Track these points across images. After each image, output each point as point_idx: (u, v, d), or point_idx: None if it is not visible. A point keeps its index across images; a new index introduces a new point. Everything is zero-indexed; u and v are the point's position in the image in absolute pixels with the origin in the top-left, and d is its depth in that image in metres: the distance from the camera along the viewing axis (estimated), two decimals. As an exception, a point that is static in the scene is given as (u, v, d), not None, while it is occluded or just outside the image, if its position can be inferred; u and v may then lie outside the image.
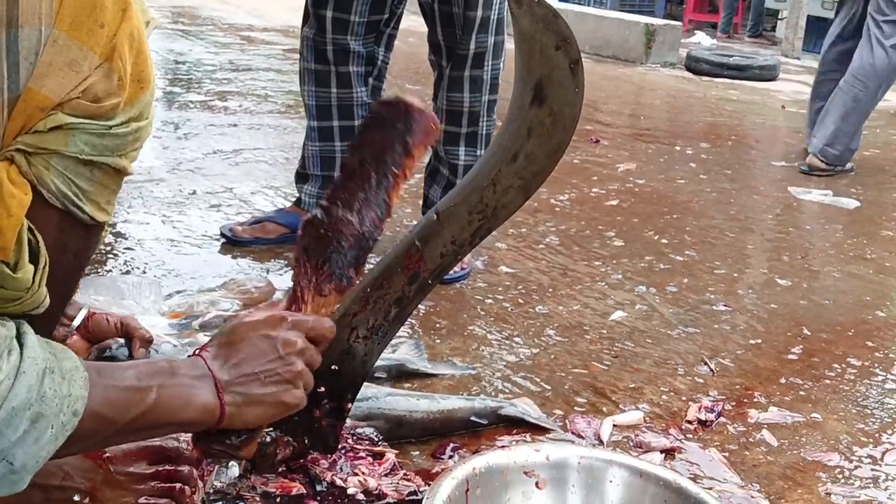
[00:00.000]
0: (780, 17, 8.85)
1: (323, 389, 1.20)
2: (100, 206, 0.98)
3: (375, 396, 1.45)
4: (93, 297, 1.67)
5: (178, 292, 1.96)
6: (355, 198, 1.14)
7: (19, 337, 0.86)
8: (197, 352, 1.06)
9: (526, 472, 1.25)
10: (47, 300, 0.94)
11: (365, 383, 1.29)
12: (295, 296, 1.14)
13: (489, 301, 2.10)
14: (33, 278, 0.90)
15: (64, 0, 0.87)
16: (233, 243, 2.29)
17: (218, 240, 2.32)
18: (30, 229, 0.90)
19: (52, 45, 0.87)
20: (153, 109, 1.01)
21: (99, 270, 2.06)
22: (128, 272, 2.07)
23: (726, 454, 1.53)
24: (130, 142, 0.97)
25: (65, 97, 0.89)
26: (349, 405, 1.25)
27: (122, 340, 1.46)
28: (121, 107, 0.93)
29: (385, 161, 1.14)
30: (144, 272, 2.08)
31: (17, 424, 0.83)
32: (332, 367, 1.21)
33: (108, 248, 2.19)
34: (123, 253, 2.18)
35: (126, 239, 2.28)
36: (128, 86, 0.94)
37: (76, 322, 1.43)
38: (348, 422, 1.32)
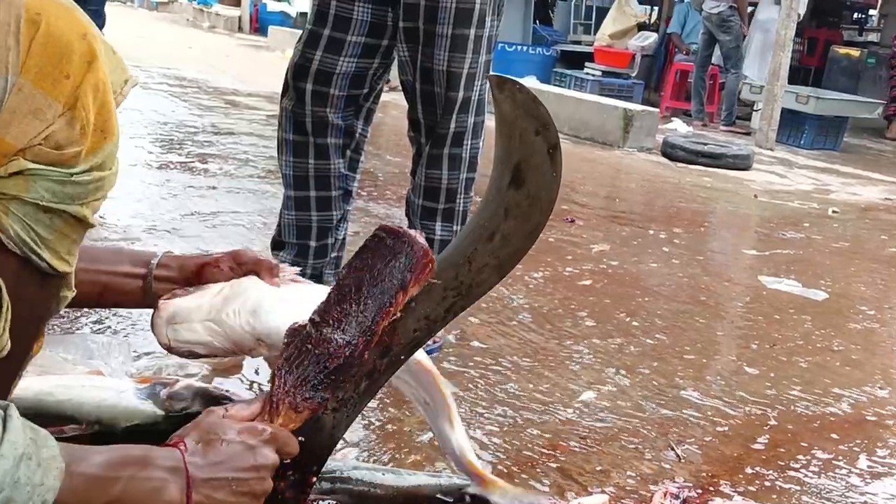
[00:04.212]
0: (755, 108, 9.07)
1: (288, 460, 1.19)
2: (59, 255, 0.98)
3: (340, 470, 1.43)
4: (61, 355, 1.65)
5: (147, 354, 1.94)
6: (347, 320, 1.14)
7: (4, 420, 0.86)
8: (175, 441, 1.05)
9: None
10: (9, 345, 0.94)
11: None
12: (270, 404, 1.14)
13: (459, 376, 2.09)
14: None
15: (31, 50, 0.89)
16: (205, 306, 2.28)
17: (190, 302, 2.31)
18: None
19: (17, 94, 0.89)
20: (117, 161, 1.02)
21: (71, 328, 2.04)
22: (98, 331, 2.05)
23: (690, 543, 1.52)
24: (92, 190, 0.98)
25: (27, 143, 0.90)
26: (314, 478, 1.23)
27: (188, 383, 1.41)
28: (83, 155, 0.95)
29: (382, 291, 1.15)
30: (115, 332, 2.07)
31: None
32: (300, 438, 1.20)
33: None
34: (95, 311, 2.16)
35: (97, 297, 2.26)
36: (90, 135, 0.95)
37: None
38: (311, 495, 1.31)
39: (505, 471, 1.67)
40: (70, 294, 1.07)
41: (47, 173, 0.92)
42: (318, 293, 1.26)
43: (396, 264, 1.16)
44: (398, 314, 1.18)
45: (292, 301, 1.25)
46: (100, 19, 4.06)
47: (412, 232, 1.18)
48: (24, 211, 0.93)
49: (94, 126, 0.95)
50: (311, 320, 1.15)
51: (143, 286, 1.33)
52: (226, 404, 1.19)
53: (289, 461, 1.19)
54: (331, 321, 1.15)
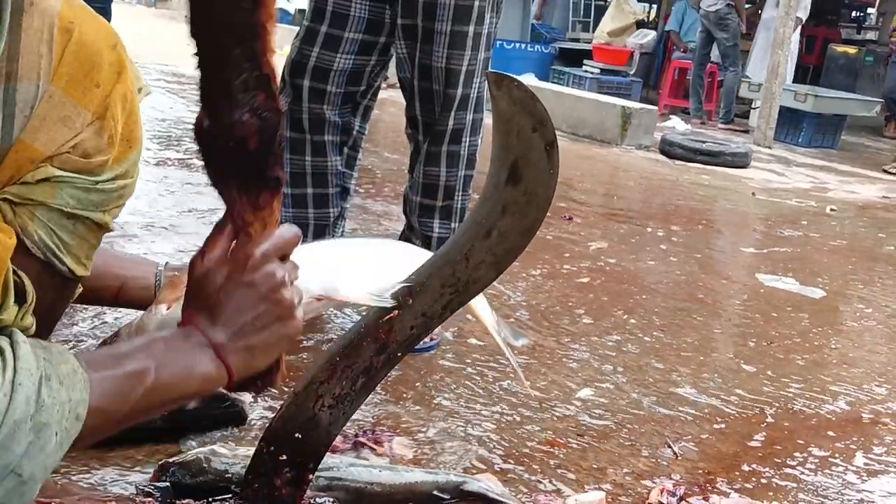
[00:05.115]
0: (753, 106, 9.07)
1: (284, 457, 1.19)
2: (79, 259, 0.99)
3: (337, 467, 1.44)
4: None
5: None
6: (231, 89, 0.93)
7: (13, 348, 0.83)
8: (182, 322, 1.00)
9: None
10: (34, 327, 0.95)
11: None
12: (235, 222, 1.00)
13: (457, 373, 2.09)
14: (15, 318, 0.91)
15: (63, 58, 0.90)
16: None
17: (187, 299, 2.30)
18: (14, 271, 0.91)
19: (48, 101, 0.90)
20: (138, 169, 1.03)
21: (70, 321, 2.03)
22: (96, 326, 2.05)
23: (687, 540, 1.52)
24: (115, 198, 0.99)
25: (55, 151, 0.91)
26: (310, 475, 1.24)
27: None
28: (109, 164, 0.96)
29: (234, 28, 0.92)
30: (113, 326, 2.06)
31: (20, 437, 0.80)
32: (296, 435, 1.20)
33: (74, 303, 2.16)
34: (89, 307, 2.16)
35: (94, 294, 2.26)
36: (117, 144, 0.96)
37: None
38: (308, 492, 1.31)
39: (501, 466, 1.67)
40: (78, 291, 1.08)
41: (73, 181, 0.93)
42: None
43: None
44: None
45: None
46: (106, 17, 4.06)
47: None
48: (49, 216, 0.94)
49: (121, 136, 0.96)
50: (203, 112, 0.96)
51: (153, 288, 1.34)
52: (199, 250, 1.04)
53: (287, 458, 1.20)
54: (221, 104, 0.94)
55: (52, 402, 0.83)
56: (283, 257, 1.02)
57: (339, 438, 1.60)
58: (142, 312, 1.27)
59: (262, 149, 0.96)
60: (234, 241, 1.01)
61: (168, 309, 1.21)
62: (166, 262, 1.40)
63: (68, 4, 0.92)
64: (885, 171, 7.28)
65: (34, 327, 0.95)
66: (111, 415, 0.89)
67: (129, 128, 0.97)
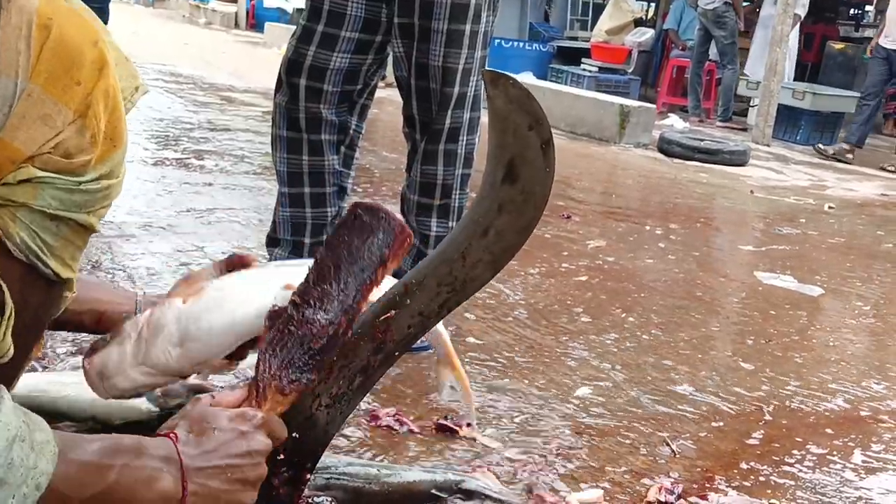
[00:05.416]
0: (751, 104, 9.07)
1: (282, 457, 1.19)
2: (64, 261, 0.98)
3: (335, 466, 1.44)
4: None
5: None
6: (328, 299, 1.14)
7: None
8: (166, 432, 1.05)
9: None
10: (11, 350, 0.94)
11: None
12: (256, 389, 1.13)
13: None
14: None
15: (42, 55, 0.88)
16: (200, 303, 2.27)
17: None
18: None
19: (27, 99, 0.88)
20: (124, 168, 1.01)
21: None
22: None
23: (685, 538, 1.52)
24: (99, 199, 0.97)
25: (36, 151, 0.89)
26: (308, 474, 1.23)
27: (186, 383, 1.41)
28: (92, 163, 0.94)
29: (362, 268, 1.16)
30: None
31: None
32: (293, 434, 1.20)
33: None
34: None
35: (92, 294, 2.25)
36: (100, 143, 0.94)
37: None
38: (306, 491, 1.31)
39: (500, 464, 1.67)
40: (71, 295, 1.07)
41: (55, 181, 0.92)
42: (232, 289, 1.24)
43: (374, 240, 1.17)
44: (383, 295, 1.18)
45: (213, 313, 1.21)
46: (104, 16, 4.05)
47: (389, 209, 1.19)
48: (31, 218, 0.92)
49: (105, 134, 0.95)
50: (291, 301, 1.15)
51: (133, 316, 1.34)
52: (211, 392, 1.19)
53: (284, 457, 1.19)
54: (311, 301, 1.14)
55: (20, 463, 0.84)
56: (272, 440, 1.11)
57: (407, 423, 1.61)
58: (146, 313, 1.27)
59: (318, 354, 1.13)
60: (246, 399, 1.12)
61: (184, 303, 1.21)
62: (144, 292, 1.41)
63: (47, 1, 0.90)
64: (882, 168, 7.28)
65: (12, 351, 0.94)
66: (64, 499, 0.90)
67: (113, 125, 0.96)
